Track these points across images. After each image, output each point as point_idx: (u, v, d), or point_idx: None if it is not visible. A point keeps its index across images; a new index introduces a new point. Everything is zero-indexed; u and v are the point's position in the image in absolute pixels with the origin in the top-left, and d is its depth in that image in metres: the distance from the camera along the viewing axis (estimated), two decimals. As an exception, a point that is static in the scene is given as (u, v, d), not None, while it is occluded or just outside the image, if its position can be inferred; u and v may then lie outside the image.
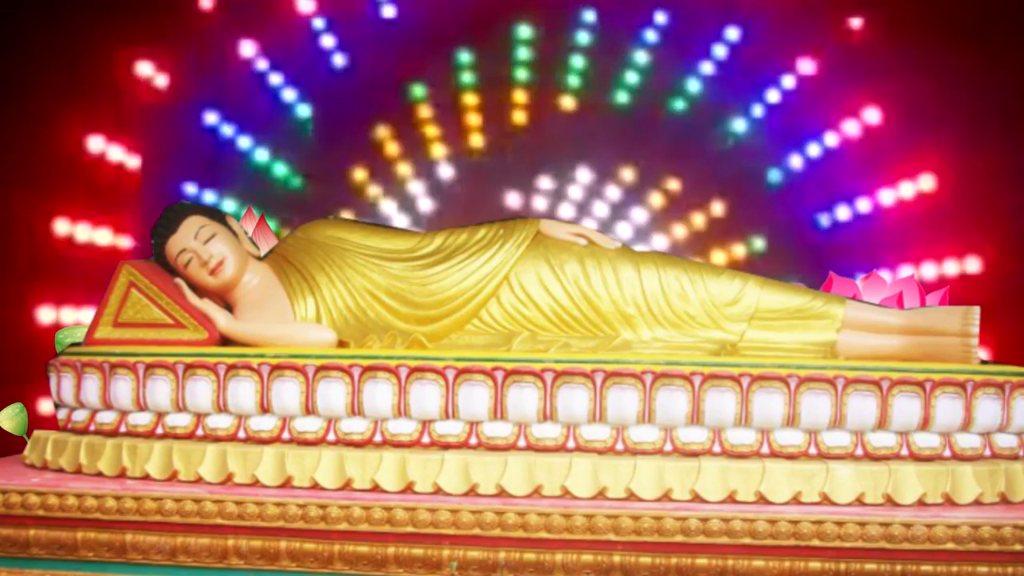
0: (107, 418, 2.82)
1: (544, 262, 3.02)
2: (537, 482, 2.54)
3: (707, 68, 4.62)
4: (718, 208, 4.63)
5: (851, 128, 4.51)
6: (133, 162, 4.65)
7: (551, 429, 2.62)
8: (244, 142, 4.71)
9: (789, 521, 2.43)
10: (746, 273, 3.02)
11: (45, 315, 4.40)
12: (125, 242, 4.61)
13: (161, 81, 4.68)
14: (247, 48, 4.69)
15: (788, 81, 4.58)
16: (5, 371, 4.05)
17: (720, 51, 4.62)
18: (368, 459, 2.58)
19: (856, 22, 4.50)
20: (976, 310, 2.86)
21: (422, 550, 2.49)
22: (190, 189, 4.67)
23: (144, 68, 4.66)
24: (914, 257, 4.43)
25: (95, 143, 4.58)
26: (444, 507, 2.48)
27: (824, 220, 4.58)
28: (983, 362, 2.86)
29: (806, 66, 4.56)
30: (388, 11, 4.72)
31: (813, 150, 4.59)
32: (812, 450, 2.59)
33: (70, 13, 4.48)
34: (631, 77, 4.66)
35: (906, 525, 2.41)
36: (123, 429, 2.79)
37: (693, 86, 4.64)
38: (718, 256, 4.60)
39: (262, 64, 4.70)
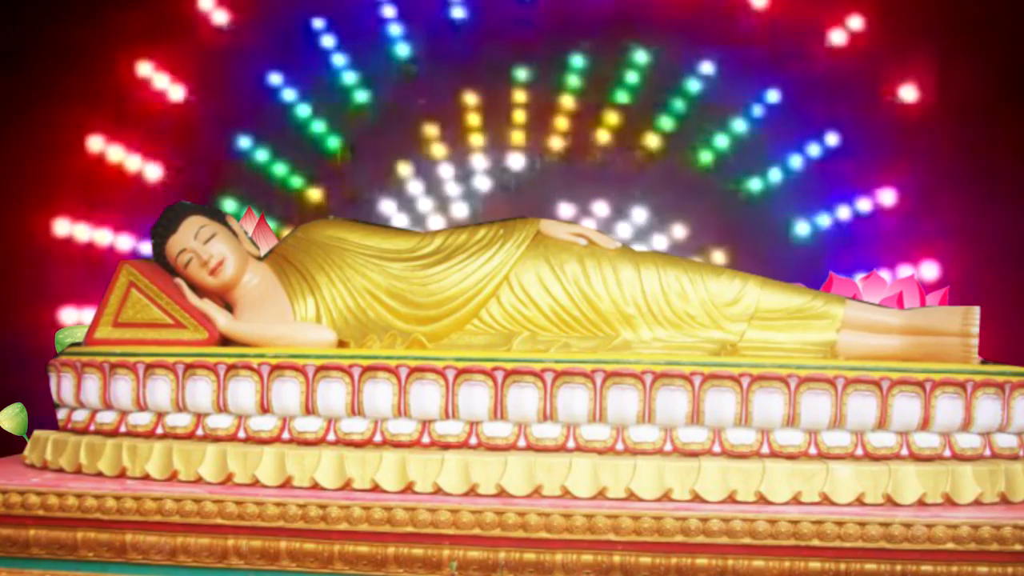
0: (107, 418, 2.81)
1: (544, 262, 3.02)
2: (537, 482, 2.54)
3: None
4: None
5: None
6: (133, 162, 4.65)
7: (551, 429, 2.62)
8: (244, 142, 4.72)
9: (789, 521, 2.42)
10: (746, 273, 3.02)
11: (45, 314, 4.40)
12: (125, 241, 4.61)
13: (162, 82, 4.69)
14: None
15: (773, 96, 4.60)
16: (5, 371, 4.04)
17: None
18: (368, 459, 2.58)
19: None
20: (976, 310, 2.86)
21: (422, 550, 2.49)
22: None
23: (144, 68, 4.67)
24: (914, 257, 4.43)
25: (96, 143, 4.60)
26: (444, 507, 2.48)
27: (825, 220, 4.58)
28: (983, 362, 2.86)
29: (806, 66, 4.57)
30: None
31: (813, 150, 4.60)
32: (812, 450, 2.59)
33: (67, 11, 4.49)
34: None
35: (906, 525, 2.41)
36: (123, 429, 2.79)
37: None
38: (717, 256, 4.61)
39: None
